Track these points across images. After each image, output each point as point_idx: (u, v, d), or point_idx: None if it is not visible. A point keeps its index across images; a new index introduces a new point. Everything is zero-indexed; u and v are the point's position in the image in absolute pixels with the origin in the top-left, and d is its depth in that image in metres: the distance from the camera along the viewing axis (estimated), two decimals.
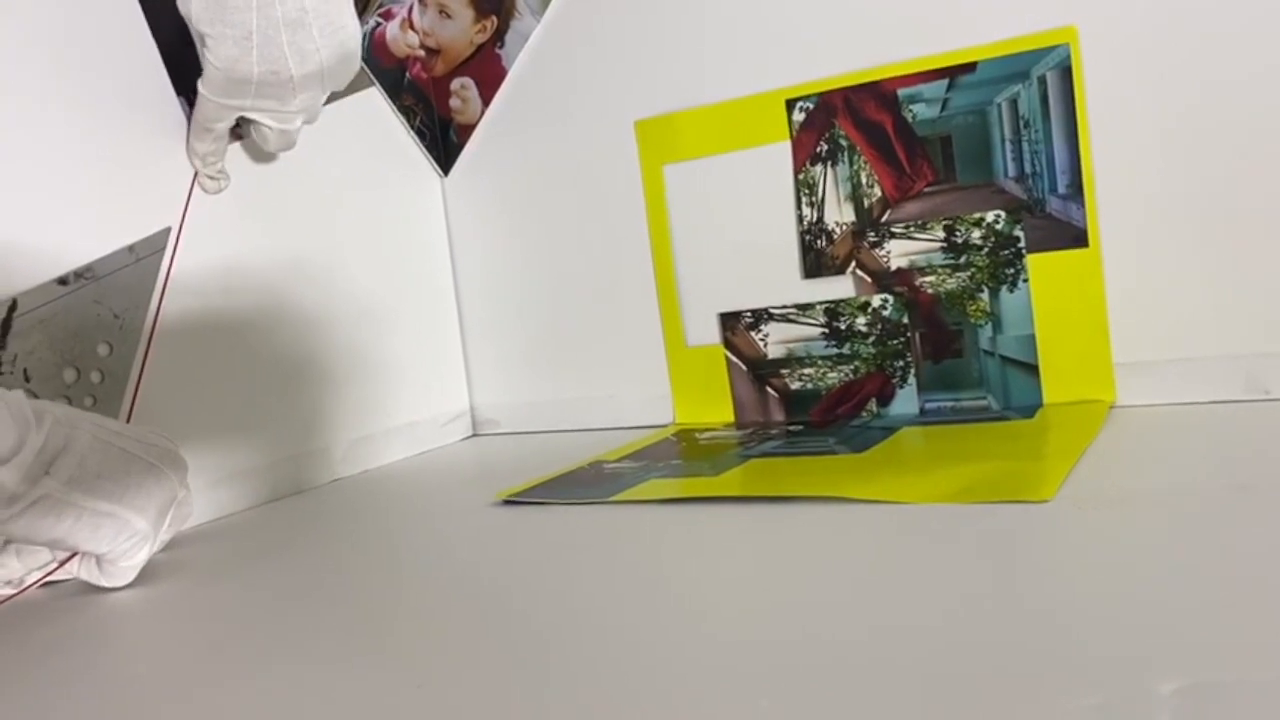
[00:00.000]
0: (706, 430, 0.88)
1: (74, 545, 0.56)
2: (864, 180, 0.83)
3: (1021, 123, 0.77)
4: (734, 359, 0.90)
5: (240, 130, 0.79)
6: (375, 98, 0.96)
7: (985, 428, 0.75)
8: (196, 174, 0.77)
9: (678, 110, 0.90)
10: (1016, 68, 0.76)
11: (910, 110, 0.81)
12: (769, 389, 0.89)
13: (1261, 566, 0.42)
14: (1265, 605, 0.38)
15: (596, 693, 0.38)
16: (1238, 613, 0.37)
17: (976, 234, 0.79)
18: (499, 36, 0.98)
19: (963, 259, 0.80)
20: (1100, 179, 0.75)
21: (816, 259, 0.86)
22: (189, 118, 0.75)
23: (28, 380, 0.66)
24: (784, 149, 0.86)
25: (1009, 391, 0.79)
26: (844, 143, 0.84)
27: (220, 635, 0.51)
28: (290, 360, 0.85)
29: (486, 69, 0.99)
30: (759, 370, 0.89)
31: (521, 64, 0.98)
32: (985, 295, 0.79)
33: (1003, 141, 0.78)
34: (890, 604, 0.43)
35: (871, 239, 0.83)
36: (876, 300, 0.83)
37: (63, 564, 0.60)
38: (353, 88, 0.89)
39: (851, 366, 0.85)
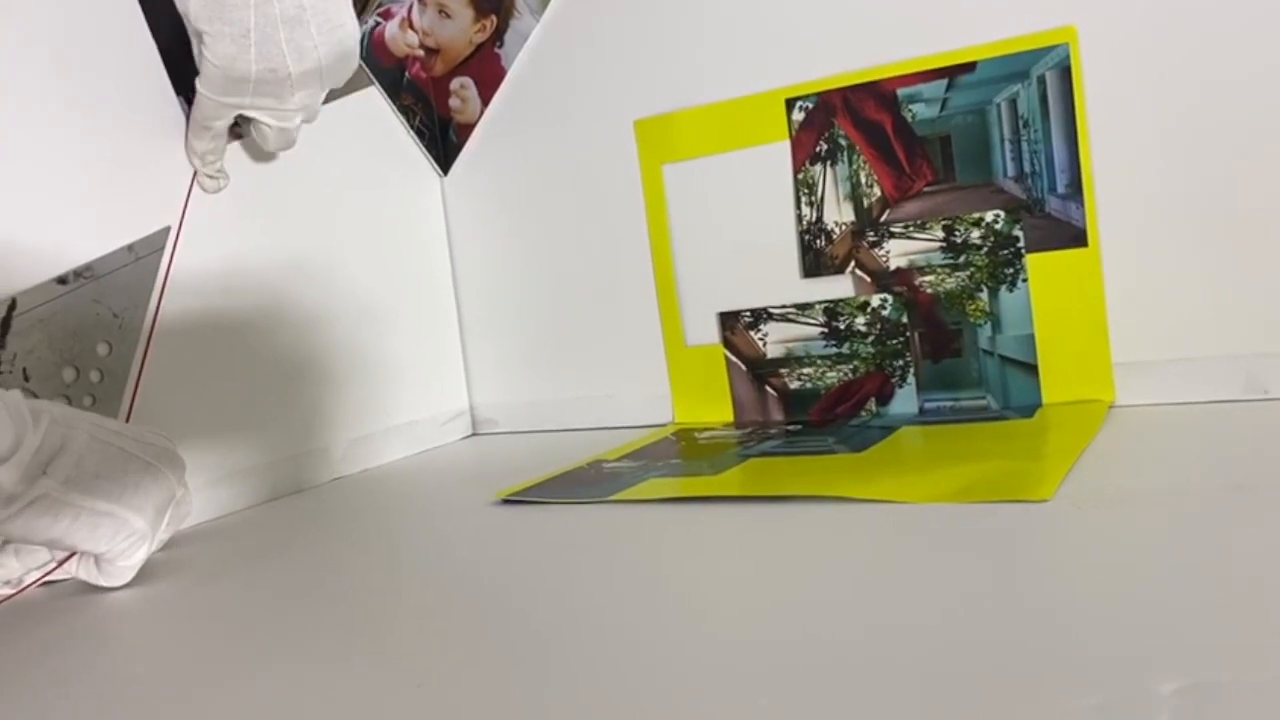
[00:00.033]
0: (706, 430, 0.88)
1: (72, 545, 0.56)
2: (863, 180, 0.83)
3: (1021, 122, 0.77)
4: (733, 358, 0.90)
5: (239, 129, 0.79)
6: (374, 97, 0.96)
7: (984, 427, 0.75)
8: (196, 173, 0.77)
9: (677, 110, 0.90)
10: (1016, 67, 0.76)
11: (910, 110, 0.81)
12: (768, 388, 0.89)
13: (1260, 566, 0.42)
14: (1264, 605, 0.38)
15: (596, 692, 0.38)
16: (1237, 612, 0.37)
17: (976, 234, 0.79)
18: (498, 36, 0.98)
19: (962, 259, 0.80)
20: (1099, 179, 0.75)
21: (816, 258, 0.86)
22: (188, 117, 0.75)
23: (27, 379, 0.66)
24: (783, 149, 0.86)
25: (1008, 391, 0.79)
26: (843, 142, 0.84)
27: (219, 634, 0.51)
28: (290, 359, 0.85)
29: (486, 68, 0.99)
30: (758, 370, 0.89)
31: (521, 64, 0.97)
32: (984, 295, 0.79)
33: (1002, 141, 0.78)
34: (889, 603, 0.43)
35: (871, 239, 0.83)
36: (876, 300, 0.83)
37: (61, 564, 0.60)
38: (352, 87, 0.89)
39: (851, 366, 0.85)
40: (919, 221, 0.81)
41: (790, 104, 0.85)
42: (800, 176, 0.86)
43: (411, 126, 0.99)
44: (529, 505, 0.69)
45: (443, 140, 1.02)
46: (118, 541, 0.57)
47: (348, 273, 0.91)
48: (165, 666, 0.48)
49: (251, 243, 0.82)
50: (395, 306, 0.96)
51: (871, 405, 0.85)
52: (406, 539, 0.67)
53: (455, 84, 1.00)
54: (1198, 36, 0.71)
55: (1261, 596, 0.38)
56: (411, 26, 0.99)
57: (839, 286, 0.85)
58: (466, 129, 1.01)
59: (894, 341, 0.83)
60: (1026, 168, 0.77)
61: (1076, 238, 0.76)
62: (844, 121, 0.83)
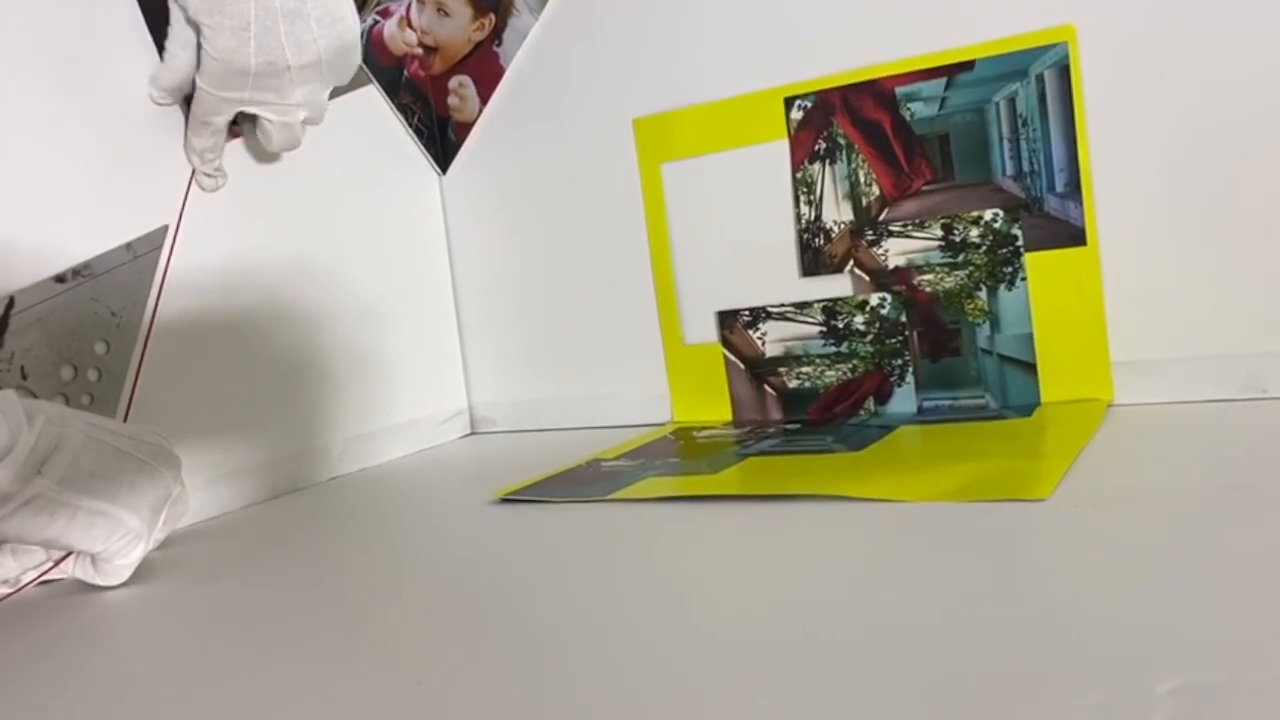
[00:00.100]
0: (704, 428, 0.88)
1: (68, 544, 0.56)
2: (862, 179, 0.83)
3: (1020, 121, 0.77)
4: (732, 357, 0.90)
5: (237, 127, 0.79)
6: (373, 96, 0.96)
7: (983, 426, 0.75)
8: (194, 171, 0.77)
9: (676, 108, 0.90)
10: (1015, 66, 0.76)
11: (908, 109, 0.81)
12: (767, 387, 0.89)
13: (1259, 566, 0.42)
14: (1262, 605, 0.38)
15: (595, 691, 0.38)
16: (1235, 612, 0.37)
17: (975, 232, 0.79)
18: (497, 34, 0.97)
19: (961, 257, 0.80)
20: (1098, 177, 0.75)
21: (814, 257, 0.86)
22: (186, 115, 0.75)
23: (25, 378, 0.66)
24: (782, 147, 0.86)
25: (1007, 390, 0.79)
26: (842, 141, 0.84)
27: (218, 633, 0.51)
28: (288, 358, 0.85)
29: (484, 67, 0.99)
30: (757, 369, 0.89)
31: (519, 62, 0.97)
32: (983, 294, 0.79)
33: (1001, 140, 0.78)
34: (888, 603, 0.43)
35: (869, 237, 0.83)
36: (874, 299, 0.83)
37: (58, 563, 0.60)
38: (350, 85, 0.89)
39: (849, 365, 0.85)
40: (918, 220, 0.81)
41: (789, 103, 0.85)
42: (799, 175, 0.86)
43: (410, 125, 0.99)
44: (527, 504, 0.69)
45: (441, 139, 1.02)
46: (113, 541, 0.56)
47: (346, 271, 0.91)
48: (163, 665, 0.48)
49: (250, 241, 0.82)
50: (394, 305, 0.96)
51: (870, 404, 0.85)
52: (405, 538, 0.67)
53: (454, 82, 1.00)
54: (1197, 35, 0.71)
55: (1260, 596, 0.38)
56: (410, 25, 0.99)
57: (838, 285, 0.85)
58: (465, 127, 1.01)
59: (892, 340, 0.83)
60: (1025, 166, 0.77)
61: (1075, 236, 0.76)
62: (843, 120, 0.83)
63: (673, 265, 0.92)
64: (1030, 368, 0.78)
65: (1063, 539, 0.49)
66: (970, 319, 0.80)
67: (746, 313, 0.89)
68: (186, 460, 0.64)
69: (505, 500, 0.70)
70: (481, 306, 1.04)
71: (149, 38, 0.74)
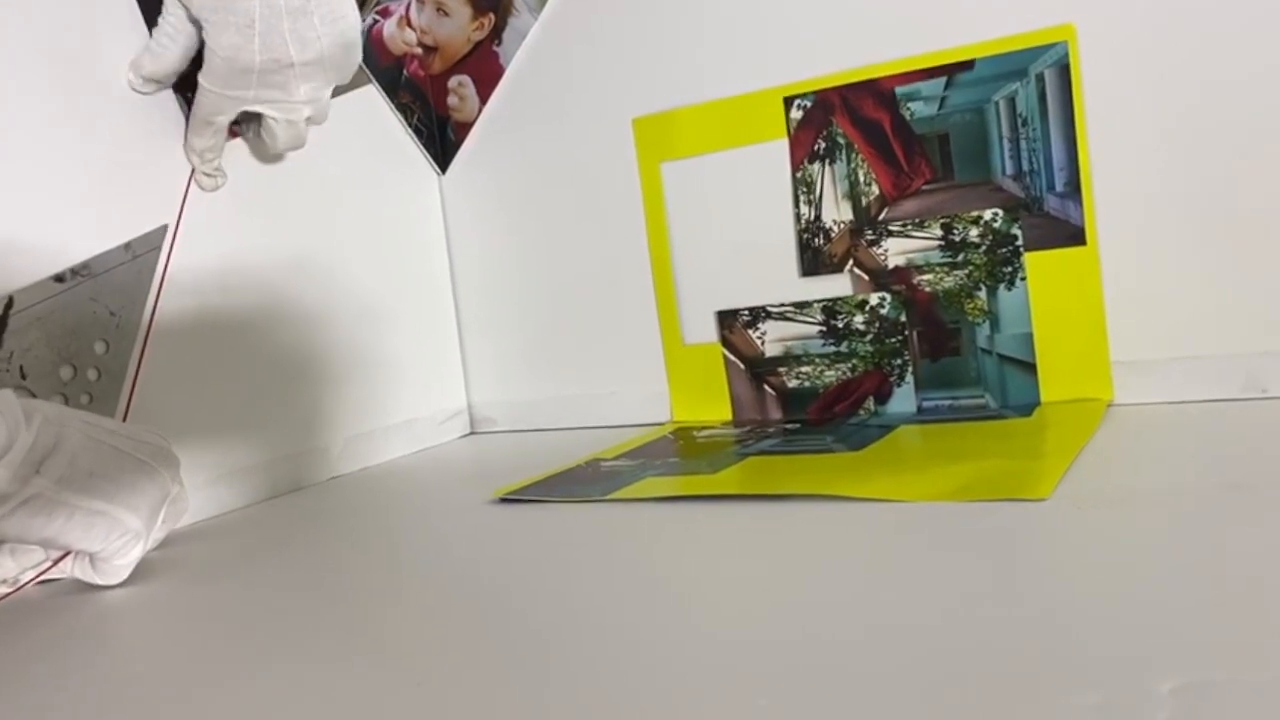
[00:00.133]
0: (704, 428, 0.88)
1: (66, 544, 0.56)
2: (862, 178, 0.83)
3: (1019, 121, 0.77)
4: (731, 357, 0.90)
5: (237, 127, 0.79)
6: (372, 95, 0.96)
7: (983, 426, 0.75)
8: (194, 171, 0.77)
9: (675, 108, 0.90)
10: (1014, 65, 0.76)
11: (908, 108, 0.81)
12: (766, 387, 0.89)
13: (1259, 565, 0.42)
14: (1262, 604, 0.38)
15: (594, 691, 0.38)
16: (1235, 612, 0.37)
17: (974, 232, 0.79)
18: (496, 34, 0.97)
19: (960, 257, 0.80)
20: (1098, 177, 0.75)
21: (814, 257, 0.86)
22: (186, 115, 0.75)
23: (24, 378, 0.65)
24: (782, 147, 0.86)
25: (1007, 390, 0.79)
26: (842, 141, 0.84)
27: (217, 633, 0.51)
28: (288, 358, 0.85)
29: (484, 67, 0.99)
30: (756, 368, 0.89)
31: (519, 62, 0.97)
32: (983, 293, 0.79)
33: (1001, 139, 0.78)
34: (888, 603, 0.43)
35: (869, 237, 0.83)
36: (874, 298, 0.83)
37: (56, 563, 0.60)
38: (350, 85, 0.89)
39: (849, 365, 0.85)
40: (917, 220, 0.81)
41: (789, 102, 0.85)
42: (798, 175, 0.86)
43: (409, 125, 0.99)
44: (527, 504, 0.69)
45: (441, 138, 1.02)
46: (112, 540, 0.56)
47: (346, 271, 0.91)
48: (163, 665, 0.48)
49: (249, 241, 0.82)
50: (393, 305, 0.96)
51: (870, 404, 0.85)
52: (405, 537, 0.67)
53: (453, 82, 1.00)
54: (1197, 35, 0.71)
55: (1260, 596, 0.38)
56: (409, 24, 0.99)
57: (837, 285, 0.85)
58: (465, 127, 1.01)
59: (892, 340, 0.83)
60: (1025, 166, 0.77)
61: (1075, 236, 0.76)
62: (842, 120, 0.83)
63: (672, 265, 0.92)
64: (1030, 367, 0.78)
65: (1063, 539, 0.49)
66: (970, 319, 0.80)
67: (746, 312, 0.89)
68: (186, 460, 0.64)
69: (505, 500, 0.70)
70: (481, 306, 1.03)
71: (148, 36, 0.74)
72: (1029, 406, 0.78)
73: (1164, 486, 0.54)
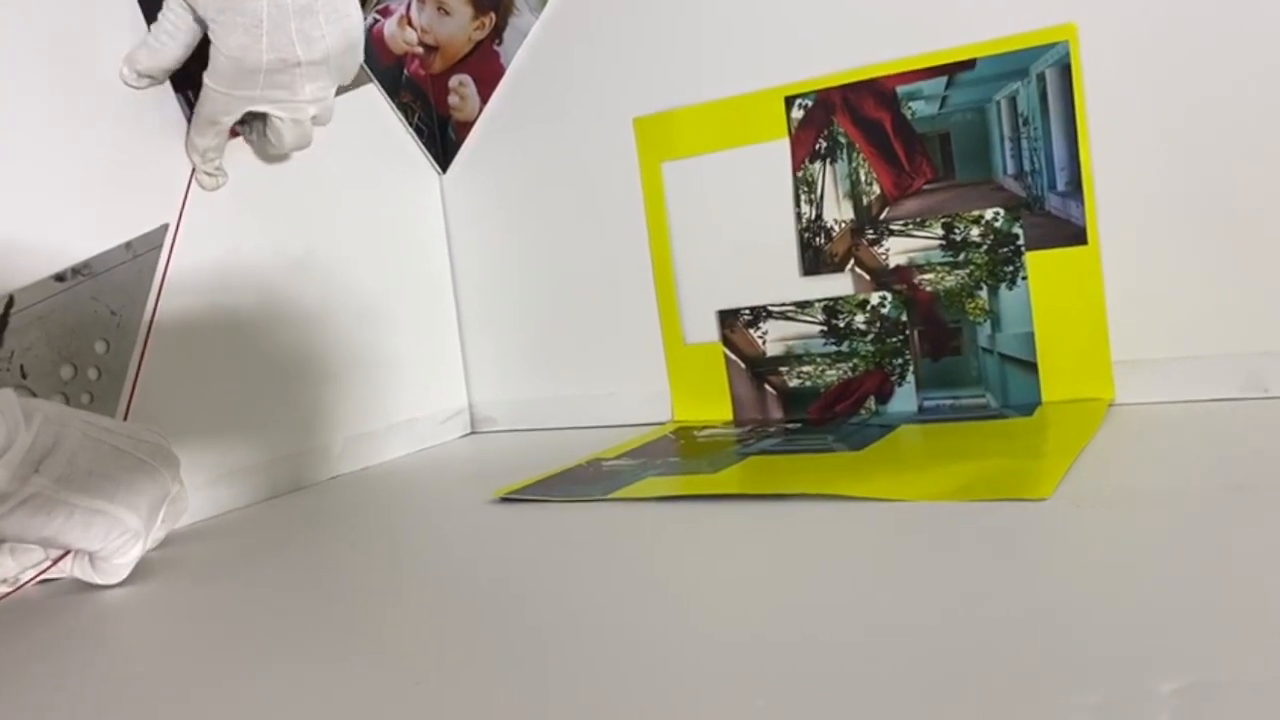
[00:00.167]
0: (705, 428, 0.88)
1: (66, 543, 0.56)
2: (863, 178, 0.83)
3: (1021, 120, 0.77)
4: (732, 357, 0.90)
5: (239, 128, 0.78)
6: (373, 94, 0.96)
7: (984, 425, 0.75)
8: (194, 170, 0.77)
9: (676, 107, 0.90)
10: (1016, 65, 0.76)
11: (909, 107, 0.80)
12: (767, 387, 0.89)
13: (1260, 565, 0.41)
14: (1264, 605, 0.38)
15: (594, 691, 0.38)
16: (1237, 612, 0.37)
17: (975, 231, 0.79)
18: (497, 33, 0.97)
19: (961, 256, 0.80)
20: (1099, 176, 0.74)
21: (815, 256, 0.86)
22: (187, 115, 0.75)
23: (24, 377, 0.65)
24: (783, 146, 0.86)
25: (1008, 389, 0.79)
26: (843, 140, 0.83)
27: (217, 632, 0.51)
28: (288, 357, 0.85)
29: (485, 66, 0.99)
30: (757, 368, 0.89)
31: (520, 61, 0.97)
32: (984, 293, 0.79)
33: (1002, 139, 0.78)
34: (888, 603, 0.43)
35: (870, 236, 0.83)
36: (875, 298, 0.83)
37: (56, 562, 0.60)
38: (351, 84, 0.89)
39: (850, 364, 0.85)
40: (918, 219, 0.81)
41: (790, 102, 0.85)
42: (800, 174, 0.86)
43: (410, 124, 0.99)
44: (527, 503, 0.69)
45: (441, 138, 1.02)
46: (111, 539, 0.56)
47: (346, 271, 0.91)
48: (163, 665, 0.48)
49: (250, 240, 0.82)
50: (394, 305, 0.96)
51: (871, 403, 0.85)
52: (405, 537, 0.67)
53: (454, 81, 1.00)
54: (1199, 35, 0.70)
55: (1261, 596, 0.38)
56: (410, 24, 0.99)
57: (838, 284, 0.85)
58: (465, 127, 1.01)
59: (893, 339, 0.83)
60: (1026, 165, 0.77)
61: (1076, 235, 0.76)
62: (843, 119, 0.83)
63: (673, 264, 0.92)
64: (1031, 367, 0.78)
65: (1063, 539, 0.48)
66: (971, 318, 0.80)
67: (747, 312, 0.89)
68: (186, 460, 0.64)
69: (505, 499, 0.70)
70: (482, 305, 1.03)
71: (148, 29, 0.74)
72: (1030, 406, 0.77)
73: (1165, 486, 0.54)
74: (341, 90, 0.84)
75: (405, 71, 0.98)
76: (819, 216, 0.85)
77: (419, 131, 1.00)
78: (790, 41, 0.85)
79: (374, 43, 0.95)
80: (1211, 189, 0.71)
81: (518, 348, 1.02)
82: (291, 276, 0.86)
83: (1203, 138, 0.71)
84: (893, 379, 0.83)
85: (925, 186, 0.81)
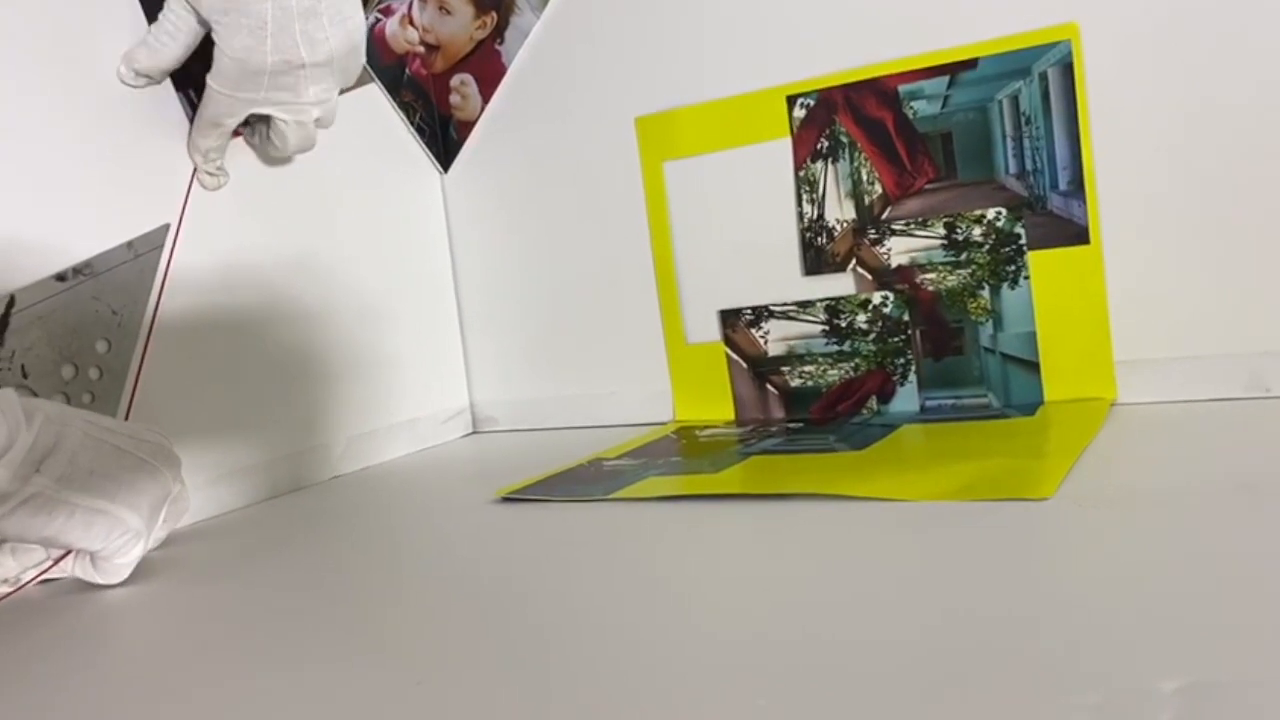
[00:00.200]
0: (706, 427, 0.88)
1: (67, 543, 0.56)
2: (865, 177, 0.83)
3: (1023, 119, 0.77)
4: (734, 356, 0.90)
5: (243, 129, 0.78)
6: (375, 94, 0.96)
7: (986, 425, 0.75)
8: (196, 170, 0.77)
9: (678, 107, 0.90)
10: (1018, 64, 0.76)
11: (911, 107, 0.80)
12: (769, 386, 0.89)
13: (1263, 565, 0.41)
14: (1266, 604, 0.37)
15: (595, 691, 0.38)
16: (1239, 612, 0.37)
17: (977, 231, 0.79)
18: (499, 33, 0.97)
19: (964, 256, 0.80)
20: (1101, 176, 0.74)
21: (817, 256, 0.86)
22: (189, 114, 0.75)
23: (25, 377, 0.65)
24: (784, 146, 0.86)
25: (1010, 389, 0.79)
26: (845, 139, 0.83)
27: (218, 632, 0.51)
28: (290, 357, 0.85)
29: (486, 65, 0.99)
30: (759, 368, 0.89)
31: (521, 60, 0.97)
32: (986, 292, 0.79)
33: (1004, 138, 0.78)
34: (890, 602, 0.43)
35: (872, 236, 0.83)
36: (877, 297, 0.83)
37: (57, 562, 0.60)
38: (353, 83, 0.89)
39: (852, 364, 0.85)
40: (920, 219, 0.81)
41: (791, 101, 0.85)
42: (801, 174, 0.85)
43: (412, 123, 0.99)
44: (529, 503, 0.69)
45: (443, 137, 1.02)
46: (113, 539, 0.56)
47: (348, 270, 0.91)
48: (163, 665, 0.47)
49: (251, 240, 0.82)
50: (395, 304, 0.96)
51: (873, 403, 0.84)
52: (406, 537, 0.67)
53: (456, 81, 1.00)
54: (1201, 34, 0.70)
55: (1264, 596, 0.38)
56: (412, 23, 0.99)
57: (840, 284, 0.85)
58: (467, 126, 1.01)
59: (895, 339, 0.83)
60: (1028, 165, 0.77)
61: (1078, 235, 0.75)
62: (845, 119, 0.83)
63: (675, 264, 0.92)
64: (1033, 366, 0.78)
65: (1065, 538, 0.48)
66: (973, 318, 0.80)
67: (749, 311, 0.89)
68: (187, 459, 0.64)
69: (507, 499, 0.70)
70: (483, 305, 1.03)
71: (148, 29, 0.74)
72: (1032, 406, 0.77)
73: (1167, 486, 0.54)
74: (343, 90, 0.84)
75: (407, 71, 0.98)
76: (821, 216, 0.85)
77: (420, 131, 1.00)
78: (792, 41, 0.85)
79: (375, 42, 0.95)
80: (1214, 188, 0.71)
81: (519, 347, 1.02)
82: (293, 276, 0.86)
83: (1205, 137, 0.71)
84: (895, 379, 0.83)
85: (927, 186, 0.81)
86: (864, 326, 0.84)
